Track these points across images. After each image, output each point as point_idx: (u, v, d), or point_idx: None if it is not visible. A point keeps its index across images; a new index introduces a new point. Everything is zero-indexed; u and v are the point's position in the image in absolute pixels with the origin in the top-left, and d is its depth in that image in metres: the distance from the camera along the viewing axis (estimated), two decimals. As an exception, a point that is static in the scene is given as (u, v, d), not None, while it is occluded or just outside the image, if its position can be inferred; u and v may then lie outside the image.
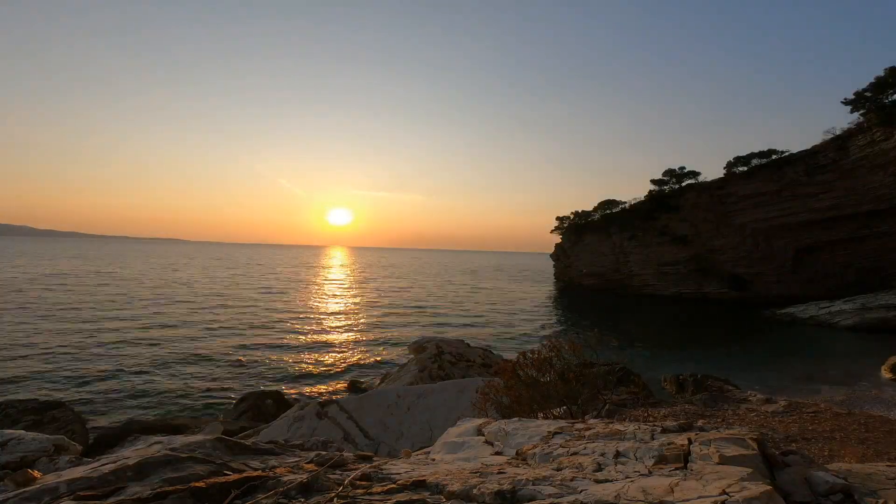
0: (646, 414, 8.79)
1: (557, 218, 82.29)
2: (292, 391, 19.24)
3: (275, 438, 7.32)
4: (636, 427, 3.60)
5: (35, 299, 40.68)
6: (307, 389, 19.99)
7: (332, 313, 42.04)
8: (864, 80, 47.67)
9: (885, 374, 22.02)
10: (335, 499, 2.46)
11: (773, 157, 51.74)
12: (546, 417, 6.65)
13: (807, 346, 30.47)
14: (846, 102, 44.55)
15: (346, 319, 38.94)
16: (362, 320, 38.80)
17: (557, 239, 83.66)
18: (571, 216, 79.28)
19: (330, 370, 23.29)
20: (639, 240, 62.17)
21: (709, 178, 58.94)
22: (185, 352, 25.09)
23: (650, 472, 2.67)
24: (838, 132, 46.05)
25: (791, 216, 49.54)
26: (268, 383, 20.27)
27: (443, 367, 15.76)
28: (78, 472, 2.83)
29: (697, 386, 13.36)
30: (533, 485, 2.52)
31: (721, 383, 13.36)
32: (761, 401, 10.64)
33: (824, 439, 7.71)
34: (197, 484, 2.51)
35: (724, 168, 56.55)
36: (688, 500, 2.18)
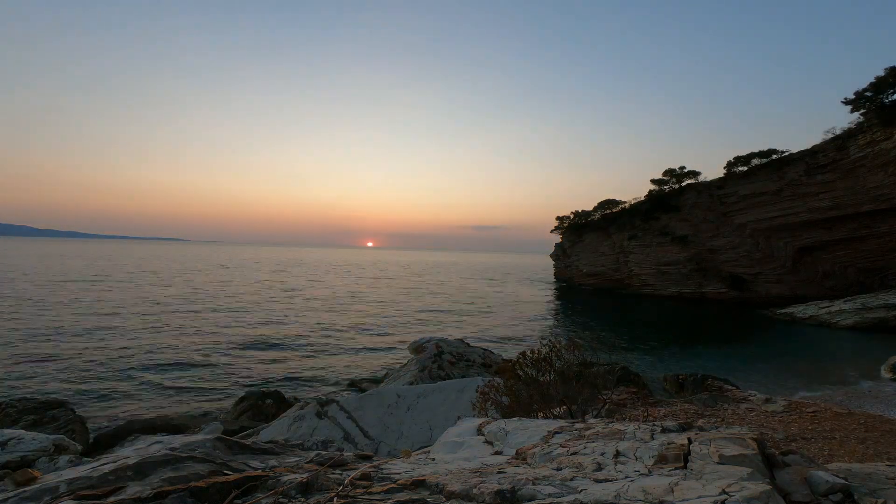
0: (646, 414, 8.80)
1: (557, 218, 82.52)
2: (292, 391, 19.24)
3: (275, 438, 7.33)
4: (636, 427, 3.60)
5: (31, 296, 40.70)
6: (307, 389, 19.98)
7: (331, 312, 42.05)
8: (864, 80, 47.66)
9: (886, 374, 22.03)
10: (335, 498, 2.47)
11: (773, 156, 51.71)
12: (546, 417, 6.66)
13: (807, 346, 30.45)
14: (846, 102, 44.54)
15: (346, 318, 38.95)
16: (362, 319, 38.80)
17: (558, 238, 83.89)
18: (571, 216, 79.45)
19: (330, 370, 23.28)
20: (639, 240, 62.20)
21: (709, 178, 59.04)
22: (184, 351, 25.08)
23: (650, 472, 2.67)
24: (838, 132, 46.06)
25: (791, 216, 49.53)
26: (268, 383, 20.27)
27: (443, 367, 15.76)
28: (78, 471, 2.83)
29: (697, 386, 13.37)
30: (533, 484, 2.53)
31: (721, 383, 13.37)
32: (761, 400, 10.66)
33: (824, 439, 7.72)
34: (197, 483, 2.51)
35: (724, 168, 56.57)
36: (687, 499, 2.18)
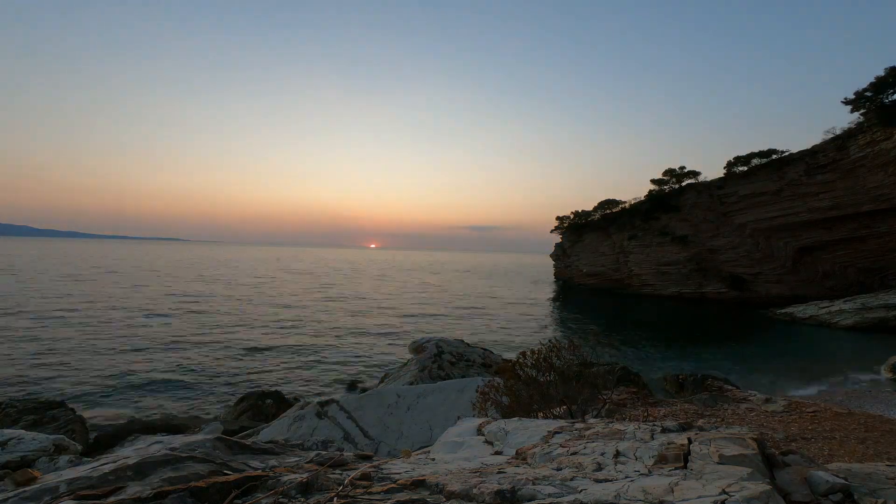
0: (646, 414, 8.79)
1: (557, 218, 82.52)
2: (292, 391, 19.24)
3: (275, 438, 7.33)
4: (636, 427, 3.60)
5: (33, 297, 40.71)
6: (307, 389, 19.99)
7: (330, 312, 42.05)
8: (864, 80, 47.61)
9: (886, 374, 22.03)
10: (335, 498, 2.46)
11: (773, 156, 51.68)
12: (546, 417, 6.65)
13: (807, 346, 30.45)
14: (846, 102, 44.53)
15: (346, 318, 38.95)
16: (362, 319, 38.80)
17: (558, 238, 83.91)
18: (571, 216, 79.44)
19: (330, 370, 23.28)
20: (639, 240, 62.18)
21: (709, 178, 59.02)
22: (184, 351, 25.10)
23: (650, 472, 2.67)
24: (838, 132, 46.05)
25: (791, 216, 49.51)
26: (268, 383, 20.28)
27: (443, 367, 15.76)
28: (78, 471, 2.83)
29: (697, 386, 13.37)
30: (533, 484, 2.52)
31: (721, 383, 13.37)
32: (761, 400, 10.65)
33: (824, 439, 7.72)
34: (197, 483, 2.51)
35: (724, 168, 56.55)
36: (687, 499, 2.18)
